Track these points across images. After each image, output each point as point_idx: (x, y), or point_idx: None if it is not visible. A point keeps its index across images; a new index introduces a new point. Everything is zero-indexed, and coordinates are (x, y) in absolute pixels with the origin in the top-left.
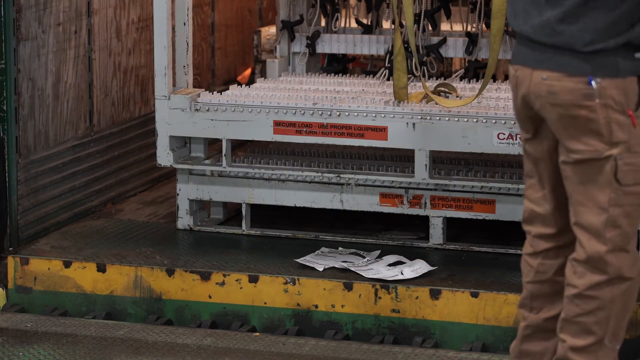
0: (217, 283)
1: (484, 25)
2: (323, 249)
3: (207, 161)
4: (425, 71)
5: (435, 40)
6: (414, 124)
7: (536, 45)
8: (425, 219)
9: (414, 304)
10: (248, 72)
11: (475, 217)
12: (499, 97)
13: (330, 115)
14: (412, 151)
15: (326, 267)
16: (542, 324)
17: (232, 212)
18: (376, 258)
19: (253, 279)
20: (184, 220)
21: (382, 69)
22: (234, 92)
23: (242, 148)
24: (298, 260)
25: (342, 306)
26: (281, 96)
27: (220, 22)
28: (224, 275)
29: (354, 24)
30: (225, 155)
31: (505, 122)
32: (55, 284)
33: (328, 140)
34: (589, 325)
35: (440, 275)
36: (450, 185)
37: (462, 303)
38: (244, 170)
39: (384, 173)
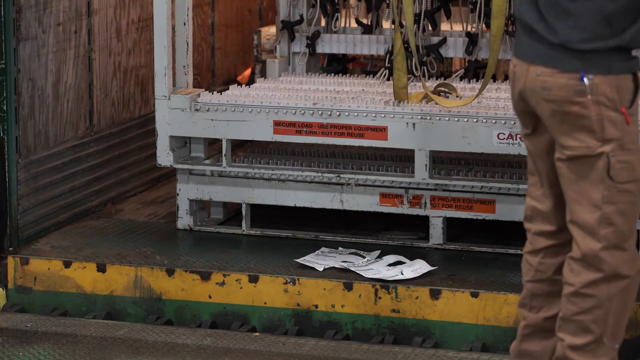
0: (217, 283)
1: (484, 25)
2: (323, 249)
3: (207, 161)
4: (425, 71)
5: (435, 40)
6: (414, 124)
7: (536, 36)
8: (425, 219)
9: (414, 304)
10: (248, 72)
11: (475, 217)
12: (499, 97)
13: (330, 115)
14: (412, 151)
15: (326, 267)
16: (542, 323)
17: (232, 212)
18: (376, 258)
19: (253, 279)
20: (184, 220)
21: (382, 69)
22: (234, 92)
23: (242, 148)
24: (298, 260)
25: (342, 306)
26: (281, 96)
27: (220, 22)
28: (224, 275)
29: (354, 24)
30: (225, 155)
31: (505, 122)
32: (55, 284)
33: (328, 140)
34: (586, 323)
35: (440, 275)
36: (450, 185)
37: (462, 303)
38: (244, 170)
39: (384, 173)
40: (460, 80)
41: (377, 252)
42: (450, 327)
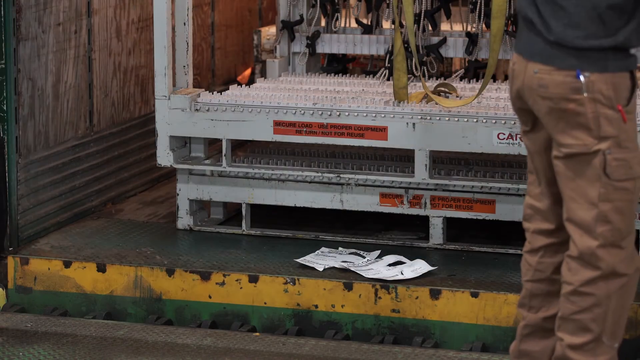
0: (217, 283)
1: (484, 25)
2: (323, 249)
3: (207, 161)
4: (425, 71)
5: (435, 40)
6: (414, 124)
7: (535, 30)
8: (425, 219)
9: (414, 304)
10: (248, 72)
11: (475, 217)
12: (499, 97)
13: (330, 115)
14: (412, 151)
15: (326, 267)
16: (541, 323)
17: (232, 212)
18: (376, 258)
19: (253, 279)
20: (184, 220)
21: (382, 69)
22: (234, 92)
23: (242, 148)
24: (298, 260)
25: (342, 306)
26: (281, 96)
27: (220, 22)
28: (224, 275)
29: (354, 24)
30: (225, 155)
31: (505, 122)
32: (55, 284)
33: (328, 140)
34: (585, 322)
35: (440, 275)
36: (450, 185)
37: (462, 303)
38: (244, 170)
39: (384, 173)
40: (460, 80)
41: (377, 252)
42: (450, 327)
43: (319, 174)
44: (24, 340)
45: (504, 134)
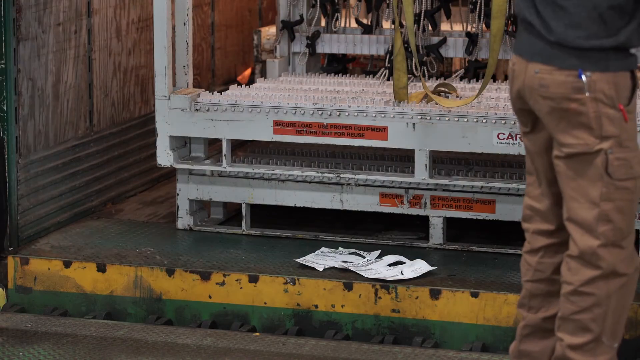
0: (217, 283)
1: (484, 25)
2: (323, 249)
3: (207, 161)
4: (425, 71)
5: (435, 40)
6: (414, 124)
7: (535, 31)
8: (425, 219)
9: (414, 304)
10: (248, 72)
11: (475, 217)
12: (499, 97)
13: (330, 115)
14: (412, 151)
15: (326, 267)
16: (541, 323)
17: (232, 212)
18: (376, 258)
19: (253, 279)
20: (184, 220)
21: (382, 69)
22: (234, 92)
23: (242, 148)
24: (298, 260)
25: (342, 306)
26: (281, 96)
27: (220, 22)
28: (224, 275)
29: (354, 24)
30: (225, 155)
31: (505, 122)
32: (55, 284)
33: (328, 140)
34: (585, 322)
35: (440, 275)
36: (450, 185)
37: (462, 303)
38: (244, 170)
39: (384, 173)
40: (460, 80)
41: (377, 252)
42: (450, 327)
43: (319, 174)
44: (24, 340)
45: (504, 134)
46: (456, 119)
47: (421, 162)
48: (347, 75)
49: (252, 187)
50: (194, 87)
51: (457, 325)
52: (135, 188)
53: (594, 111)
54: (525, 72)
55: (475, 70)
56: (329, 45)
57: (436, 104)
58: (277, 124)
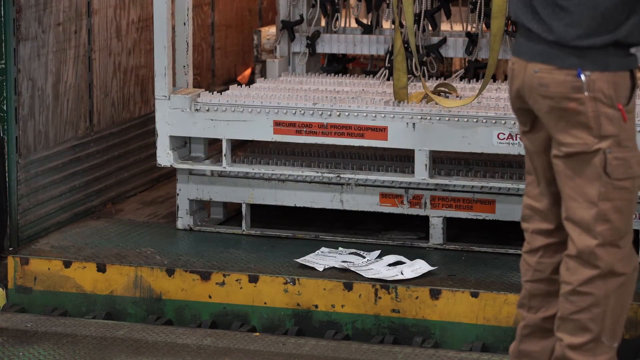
0: (217, 283)
1: (484, 25)
2: (323, 249)
3: (207, 161)
4: (425, 71)
5: (435, 40)
6: (414, 124)
7: (533, 35)
8: (425, 219)
9: (414, 304)
10: (248, 72)
11: (475, 217)
12: (499, 97)
13: (330, 115)
14: (412, 151)
15: (326, 267)
16: (541, 323)
17: (232, 212)
18: (376, 258)
19: (253, 279)
20: (184, 220)
21: (382, 69)
22: (234, 92)
23: (242, 148)
24: (298, 260)
25: (342, 306)
26: (281, 96)
27: (220, 22)
28: (224, 275)
29: (354, 24)
30: (225, 155)
31: (505, 122)
32: (55, 284)
33: (328, 140)
34: (584, 322)
35: (440, 275)
36: (450, 185)
37: (462, 303)
38: (244, 170)
39: (384, 173)
40: (460, 80)
41: (377, 252)
42: (450, 327)
43: (319, 174)
44: (24, 340)
45: (504, 134)
46: (456, 119)
47: (421, 162)
48: (347, 75)
49: (252, 187)
50: (194, 87)
51: (457, 325)
52: (135, 188)
53: (593, 111)
54: (525, 71)
55: (475, 70)
56: (329, 45)
57: (436, 104)
58: (277, 124)
